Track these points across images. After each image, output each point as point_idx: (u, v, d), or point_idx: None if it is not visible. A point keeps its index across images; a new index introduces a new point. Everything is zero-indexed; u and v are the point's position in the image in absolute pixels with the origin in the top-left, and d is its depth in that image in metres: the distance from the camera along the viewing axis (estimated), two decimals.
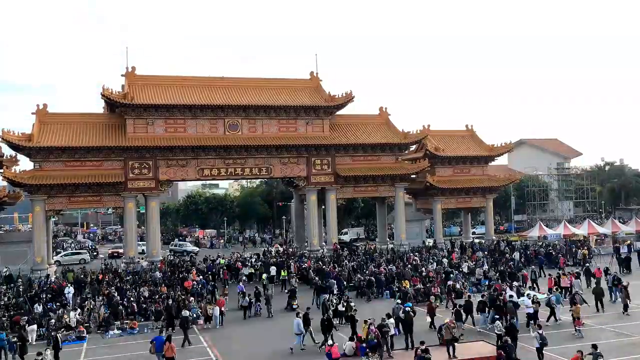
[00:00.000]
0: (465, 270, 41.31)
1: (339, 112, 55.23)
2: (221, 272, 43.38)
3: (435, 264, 43.46)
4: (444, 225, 74.98)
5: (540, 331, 22.15)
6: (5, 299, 34.95)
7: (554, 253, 48.83)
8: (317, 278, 37.44)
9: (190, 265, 46.33)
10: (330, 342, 23.04)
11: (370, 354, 22.07)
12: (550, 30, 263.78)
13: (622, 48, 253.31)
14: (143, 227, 63.50)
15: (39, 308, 32.01)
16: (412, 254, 47.76)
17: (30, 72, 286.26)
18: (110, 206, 53.42)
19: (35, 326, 28.98)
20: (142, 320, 31.45)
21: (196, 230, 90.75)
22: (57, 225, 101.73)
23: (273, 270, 41.26)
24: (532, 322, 26.20)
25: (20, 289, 37.16)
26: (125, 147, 46.64)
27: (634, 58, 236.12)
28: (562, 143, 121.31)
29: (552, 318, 28.42)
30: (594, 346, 19.91)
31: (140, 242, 56.95)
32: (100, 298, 34.27)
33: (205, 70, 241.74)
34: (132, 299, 34.03)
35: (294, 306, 32.53)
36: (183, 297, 33.40)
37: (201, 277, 40.13)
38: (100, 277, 41.40)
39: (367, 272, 40.17)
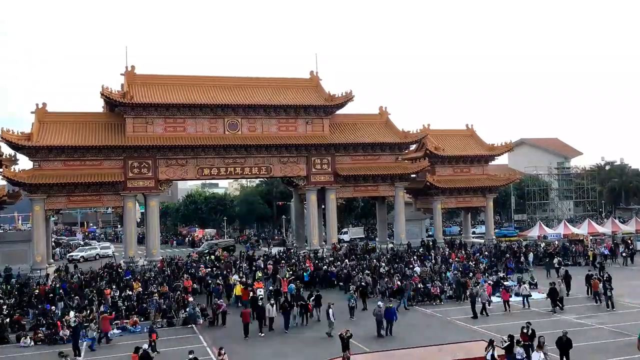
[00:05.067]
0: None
1: (339, 112, 55.12)
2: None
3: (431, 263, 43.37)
4: (444, 225, 74.86)
5: None
6: (12, 300, 34.74)
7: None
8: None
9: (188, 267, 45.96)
10: None
11: None
12: (550, 30, 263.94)
13: (622, 48, 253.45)
14: (143, 227, 63.28)
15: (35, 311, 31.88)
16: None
17: (30, 71, 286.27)
18: (109, 206, 53.47)
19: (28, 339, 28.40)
20: (142, 319, 31.37)
21: (196, 230, 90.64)
22: (57, 224, 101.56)
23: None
24: None
25: (24, 290, 37.03)
26: (125, 147, 46.60)
27: (634, 58, 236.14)
28: (563, 142, 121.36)
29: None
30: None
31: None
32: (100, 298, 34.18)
33: (205, 70, 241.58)
34: (132, 296, 33.98)
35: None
36: (183, 296, 33.34)
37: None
38: None
39: (367, 271, 39.98)
